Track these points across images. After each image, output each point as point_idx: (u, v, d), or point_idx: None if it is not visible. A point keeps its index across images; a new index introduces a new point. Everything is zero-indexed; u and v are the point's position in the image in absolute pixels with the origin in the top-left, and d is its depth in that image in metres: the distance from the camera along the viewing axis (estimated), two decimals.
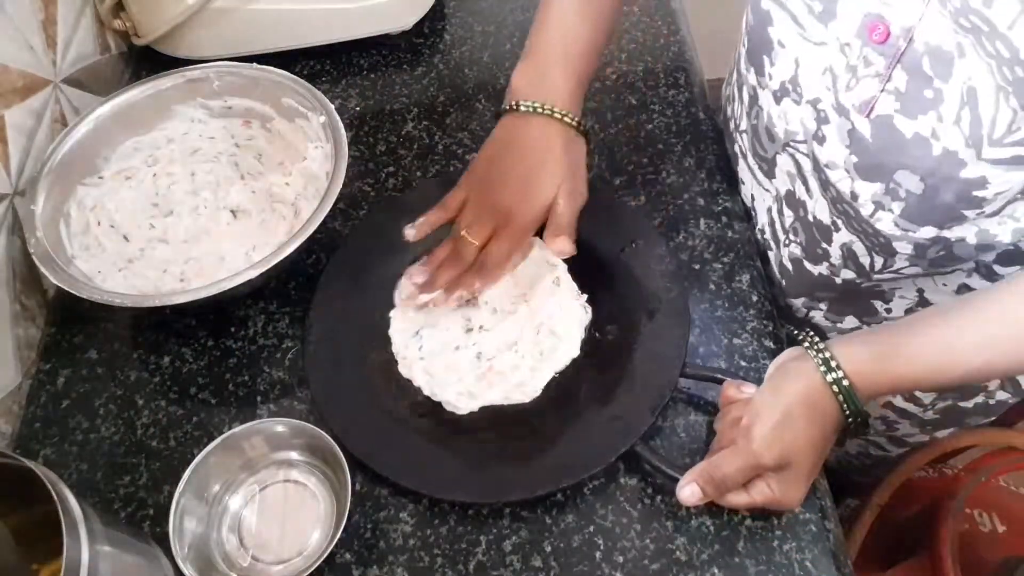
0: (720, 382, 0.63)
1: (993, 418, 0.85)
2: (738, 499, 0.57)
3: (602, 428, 0.62)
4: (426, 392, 0.65)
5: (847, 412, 0.56)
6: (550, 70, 0.67)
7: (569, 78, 0.67)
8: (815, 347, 0.57)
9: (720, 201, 0.77)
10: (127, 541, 0.52)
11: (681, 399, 0.66)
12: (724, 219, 0.76)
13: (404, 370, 0.66)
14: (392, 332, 0.68)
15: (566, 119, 0.66)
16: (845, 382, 0.55)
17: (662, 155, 0.81)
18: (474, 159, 0.69)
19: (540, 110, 0.66)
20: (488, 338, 0.67)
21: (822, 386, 0.55)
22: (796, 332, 0.60)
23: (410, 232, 0.68)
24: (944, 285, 0.66)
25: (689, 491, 0.57)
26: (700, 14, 1.06)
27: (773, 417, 0.55)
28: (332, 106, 0.73)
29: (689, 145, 0.82)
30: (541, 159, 0.65)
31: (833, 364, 0.55)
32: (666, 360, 0.64)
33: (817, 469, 0.58)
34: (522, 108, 0.66)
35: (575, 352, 0.66)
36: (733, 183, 0.79)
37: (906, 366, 0.55)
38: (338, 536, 0.56)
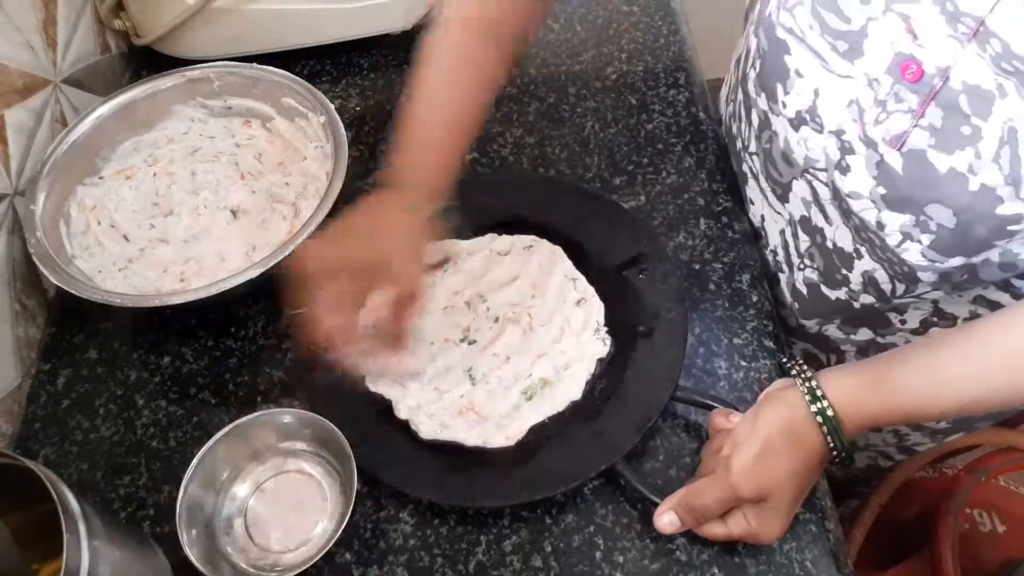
0: (711, 408, 0.62)
1: (1001, 420, 0.85)
2: (715, 530, 0.56)
3: (585, 442, 0.62)
4: (399, 412, 0.64)
5: (832, 445, 0.55)
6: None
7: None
8: (802, 375, 0.56)
9: (720, 201, 0.77)
10: (127, 541, 0.52)
11: (675, 423, 0.65)
12: (724, 219, 0.76)
13: (370, 384, 0.65)
14: None
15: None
16: (829, 412, 0.54)
17: (662, 155, 0.81)
18: None
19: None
20: (479, 360, 0.66)
21: (805, 416, 0.54)
22: (786, 361, 0.59)
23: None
24: (959, 296, 0.65)
25: (668, 519, 0.56)
26: (700, 14, 1.06)
27: (753, 448, 0.54)
28: (332, 106, 0.73)
29: (689, 145, 0.82)
30: None
31: (819, 393, 0.54)
32: (658, 380, 0.63)
33: (798, 503, 0.57)
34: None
35: (576, 394, 0.64)
36: (733, 183, 0.79)
37: (895, 398, 0.54)
38: (344, 524, 0.56)
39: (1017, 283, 0.62)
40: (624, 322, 0.67)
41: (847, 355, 0.78)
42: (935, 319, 0.68)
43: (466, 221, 0.74)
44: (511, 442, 0.62)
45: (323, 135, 0.73)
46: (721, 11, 1.16)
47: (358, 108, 0.88)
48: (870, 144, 0.57)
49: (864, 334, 0.74)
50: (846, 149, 0.59)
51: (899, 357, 0.55)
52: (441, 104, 0.62)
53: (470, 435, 0.62)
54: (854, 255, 0.64)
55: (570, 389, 0.64)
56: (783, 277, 0.75)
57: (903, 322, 0.70)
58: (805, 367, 0.57)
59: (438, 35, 0.63)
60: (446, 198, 0.62)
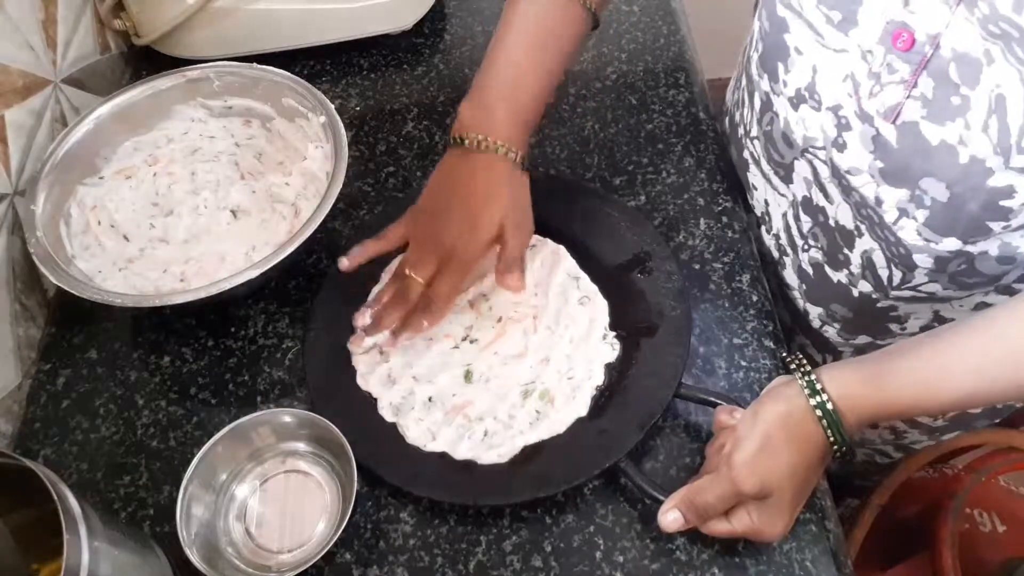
0: (715, 405, 0.62)
1: (999, 419, 0.85)
2: (719, 527, 0.56)
3: (588, 441, 0.62)
4: (383, 411, 0.64)
5: (832, 439, 0.55)
6: (496, 106, 0.65)
7: (515, 114, 0.65)
8: (801, 369, 0.56)
9: (720, 201, 0.77)
10: (127, 541, 0.52)
11: (675, 423, 0.65)
12: (724, 219, 0.76)
13: (360, 382, 0.66)
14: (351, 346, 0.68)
15: (509, 154, 0.64)
16: (829, 406, 0.54)
17: (662, 155, 0.81)
18: (421, 194, 0.67)
19: (483, 145, 0.63)
20: (478, 359, 0.66)
21: (805, 411, 0.54)
22: (786, 356, 0.59)
23: (344, 262, 0.66)
24: (960, 306, 0.65)
25: (672, 517, 0.56)
26: (700, 14, 1.06)
27: (753, 444, 0.54)
28: (332, 106, 0.73)
29: (689, 145, 0.82)
30: (484, 194, 0.64)
31: (818, 387, 0.54)
32: (661, 378, 0.63)
33: (802, 499, 0.57)
34: (466, 142, 0.64)
35: (582, 411, 0.63)
36: (733, 183, 0.79)
37: (895, 390, 0.54)
38: (344, 524, 0.56)
39: (1019, 287, 0.62)
40: (627, 321, 0.67)
41: (844, 355, 0.78)
42: (935, 326, 0.68)
43: None
44: (503, 460, 0.61)
45: (323, 135, 0.73)
46: (721, 11, 1.16)
47: (358, 108, 0.88)
48: (866, 119, 0.57)
49: (864, 339, 0.74)
50: (842, 126, 0.60)
51: (899, 351, 0.55)
52: (520, 72, 0.65)
53: (459, 448, 0.62)
54: (855, 232, 0.64)
55: (576, 409, 0.63)
56: (788, 260, 0.75)
57: (903, 329, 0.70)
58: (805, 362, 0.57)
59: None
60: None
